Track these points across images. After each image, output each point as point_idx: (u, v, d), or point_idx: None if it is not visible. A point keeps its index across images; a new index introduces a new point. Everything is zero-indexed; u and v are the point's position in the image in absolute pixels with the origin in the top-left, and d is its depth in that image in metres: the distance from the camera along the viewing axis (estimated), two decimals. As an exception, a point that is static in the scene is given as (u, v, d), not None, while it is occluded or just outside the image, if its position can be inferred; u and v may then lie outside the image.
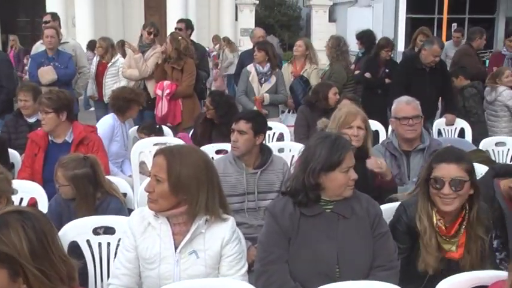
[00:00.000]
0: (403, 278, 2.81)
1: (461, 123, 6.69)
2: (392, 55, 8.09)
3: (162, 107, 6.81)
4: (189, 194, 2.56)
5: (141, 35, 7.34)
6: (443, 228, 2.88)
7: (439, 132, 6.58)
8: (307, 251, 2.74)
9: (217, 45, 16.07)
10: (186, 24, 7.97)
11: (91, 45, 13.28)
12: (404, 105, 4.18)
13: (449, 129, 6.67)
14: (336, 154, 2.73)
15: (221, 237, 2.64)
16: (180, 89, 6.86)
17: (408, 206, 2.98)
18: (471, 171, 2.84)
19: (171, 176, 2.52)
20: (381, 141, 4.77)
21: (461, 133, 6.62)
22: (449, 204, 2.81)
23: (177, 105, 6.90)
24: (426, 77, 6.44)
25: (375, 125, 6.04)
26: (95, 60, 8.37)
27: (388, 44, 7.94)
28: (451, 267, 2.82)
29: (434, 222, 2.87)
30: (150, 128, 5.83)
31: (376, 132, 5.93)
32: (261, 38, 7.83)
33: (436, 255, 2.84)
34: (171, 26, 8.74)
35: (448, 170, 2.81)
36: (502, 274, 2.34)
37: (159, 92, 6.83)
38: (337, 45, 7.63)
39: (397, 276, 2.78)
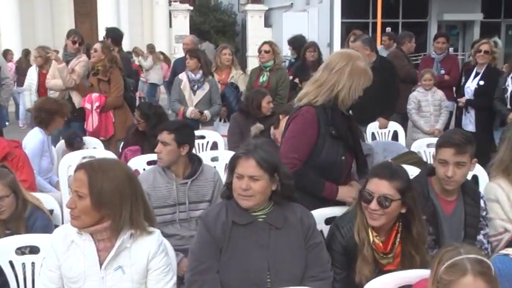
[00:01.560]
0: None
1: (394, 126, 6.87)
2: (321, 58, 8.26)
3: (92, 121, 6.68)
4: (112, 208, 2.52)
5: (66, 44, 7.19)
6: (380, 244, 2.90)
7: (373, 136, 6.73)
8: (238, 260, 2.75)
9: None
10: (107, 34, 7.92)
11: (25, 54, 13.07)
12: None
13: (383, 132, 6.82)
14: (234, 157, 2.81)
15: (147, 251, 2.62)
16: (110, 101, 6.75)
17: (342, 225, 2.98)
18: (403, 191, 2.84)
19: (92, 191, 2.48)
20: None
21: (395, 136, 6.80)
22: (376, 220, 2.84)
23: (108, 117, 6.78)
24: None
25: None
26: (34, 70, 8.14)
27: (311, 45, 8.14)
28: None
29: (371, 239, 2.89)
30: (68, 140, 5.73)
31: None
32: (190, 45, 7.82)
33: (372, 267, 2.86)
34: (103, 34, 8.60)
35: (378, 186, 2.83)
36: (427, 273, 2.40)
37: (88, 106, 6.69)
38: (280, 52, 7.68)
39: (329, 286, 2.82)
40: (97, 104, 6.65)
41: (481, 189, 4.33)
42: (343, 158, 3.40)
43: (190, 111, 6.72)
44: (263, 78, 7.28)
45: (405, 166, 3.72)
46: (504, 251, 2.55)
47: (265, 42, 7.55)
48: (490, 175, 3.85)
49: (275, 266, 2.75)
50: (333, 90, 3.33)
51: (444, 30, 25.23)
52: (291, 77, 7.95)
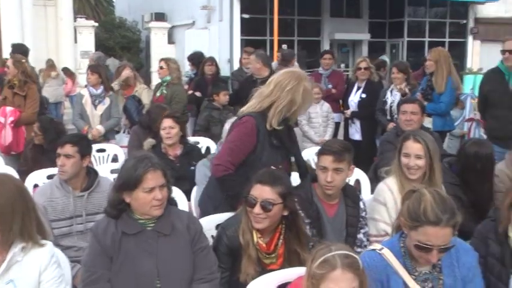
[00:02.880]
0: None
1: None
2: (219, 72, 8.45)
3: (6, 136, 6.26)
4: (2, 223, 2.44)
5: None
6: (264, 245, 2.99)
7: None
8: (128, 268, 2.73)
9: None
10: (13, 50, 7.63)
11: None
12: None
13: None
14: (134, 174, 2.74)
15: (39, 263, 2.55)
16: (25, 116, 6.35)
17: (227, 228, 3.06)
18: (285, 195, 2.96)
19: None
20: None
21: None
22: (259, 223, 2.94)
23: (20, 132, 6.38)
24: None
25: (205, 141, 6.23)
26: None
27: (209, 59, 8.37)
28: None
29: (255, 239, 2.98)
30: None
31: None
32: (90, 61, 7.73)
33: (256, 266, 2.94)
34: (6, 49, 8.26)
35: (261, 191, 2.94)
36: (304, 270, 2.47)
37: (1, 119, 6.31)
38: (179, 67, 7.70)
39: (217, 287, 2.86)
40: (11, 118, 6.25)
41: (364, 191, 4.55)
42: (280, 166, 3.53)
43: (93, 134, 6.61)
44: (159, 93, 7.37)
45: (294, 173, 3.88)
46: (372, 247, 2.68)
47: (161, 59, 7.66)
48: (380, 177, 3.97)
49: (164, 271, 2.76)
50: (290, 108, 3.54)
51: (336, 48, 26.14)
52: (190, 92, 8.00)
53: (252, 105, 3.63)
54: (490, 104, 5.43)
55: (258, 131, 3.52)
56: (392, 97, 6.78)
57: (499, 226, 2.76)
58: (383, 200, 3.56)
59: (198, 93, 7.87)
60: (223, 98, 6.96)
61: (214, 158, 3.71)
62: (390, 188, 3.55)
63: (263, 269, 2.97)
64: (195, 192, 4.46)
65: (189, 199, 4.44)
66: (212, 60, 8.45)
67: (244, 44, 19.87)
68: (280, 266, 3.00)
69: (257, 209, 2.92)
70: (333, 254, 2.29)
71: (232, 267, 3.00)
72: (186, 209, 4.06)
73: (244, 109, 3.67)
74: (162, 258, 2.77)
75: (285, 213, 3.00)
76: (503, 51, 5.35)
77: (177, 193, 4.23)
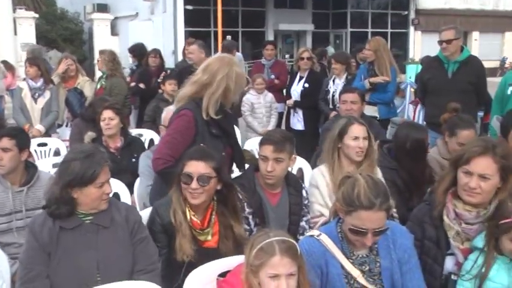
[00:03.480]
0: (165, 271, 2.91)
1: (231, 127, 7.04)
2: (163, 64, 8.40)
3: None
4: None
5: None
6: (198, 222, 3.02)
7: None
8: (67, 263, 2.68)
9: None
10: None
11: None
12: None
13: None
14: (90, 170, 2.70)
15: None
16: None
17: (159, 207, 3.07)
18: (218, 169, 3.02)
19: None
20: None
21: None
22: (196, 198, 2.97)
23: None
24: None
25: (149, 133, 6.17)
26: None
27: (153, 51, 8.32)
28: (210, 255, 2.93)
29: (188, 217, 3.00)
30: None
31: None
32: (28, 54, 7.53)
33: (191, 245, 2.95)
34: None
35: (196, 167, 2.97)
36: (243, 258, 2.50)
37: None
38: (113, 59, 7.58)
39: (158, 277, 2.84)
40: None
41: (306, 179, 4.60)
42: (223, 153, 3.56)
43: (33, 134, 6.40)
44: (99, 85, 7.30)
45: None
46: (310, 233, 2.73)
47: (100, 52, 7.61)
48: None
49: (104, 264, 2.72)
50: (225, 96, 3.57)
51: (280, 39, 26.29)
52: (133, 84, 7.90)
53: (186, 92, 3.64)
54: (429, 91, 5.58)
55: (196, 121, 3.52)
56: (334, 86, 6.87)
57: (434, 210, 2.84)
58: (315, 183, 3.65)
59: (141, 85, 7.77)
60: (168, 87, 6.87)
61: (154, 152, 3.68)
62: (322, 172, 3.65)
63: (200, 247, 2.99)
64: (138, 184, 4.42)
65: (131, 192, 4.39)
66: (156, 52, 8.37)
67: (188, 35, 19.75)
68: (217, 244, 3.04)
69: (194, 184, 2.94)
70: (271, 240, 2.32)
71: (169, 245, 3.00)
72: (129, 202, 4.01)
73: (179, 96, 3.68)
74: (102, 251, 2.73)
75: (219, 187, 3.04)
76: (440, 42, 5.50)
77: (119, 186, 4.20)
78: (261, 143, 3.45)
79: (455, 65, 5.41)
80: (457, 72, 5.41)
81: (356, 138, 3.59)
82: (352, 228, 2.51)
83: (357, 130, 3.60)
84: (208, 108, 3.53)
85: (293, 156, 3.49)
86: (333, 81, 6.95)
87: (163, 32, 21.74)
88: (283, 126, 7.97)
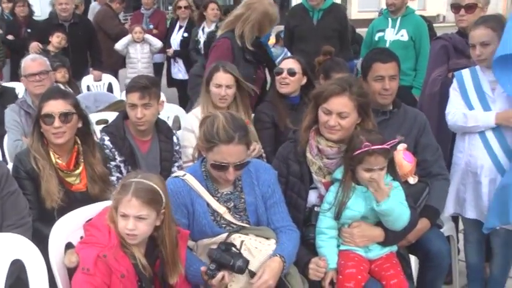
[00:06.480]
0: (38, 225, 2.83)
1: (109, 78, 6.86)
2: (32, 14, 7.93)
3: None
4: None
5: None
6: (63, 164, 2.96)
7: (88, 88, 6.63)
8: None
9: None
10: None
11: None
12: (29, 62, 4.15)
13: (97, 84, 6.76)
14: None
15: None
16: None
17: (21, 155, 3.00)
18: (76, 105, 3.00)
19: None
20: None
21: (110, 87, 6.79)
22: (60, 137, 2.92)
23: None
24: (66, 32, 6.48)
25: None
26: None
27: None
28: (80, 199, 2.92)
29: (54, 160, 2.93)
30: None
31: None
32: None
33: (59, 188, 2.90)
34: None
35: (55, 105, 2.92)
36: (109, 203, 2.50)
37: None
38: None
39: (29, 231, 2.76)
40: None
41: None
42: (254, 76, 4.41)
43: None
44: None
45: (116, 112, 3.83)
46: (175, 174, 2.75)
47: None
48: None
49: None
50: (259, 26, 4.46)
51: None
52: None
53: (226, 22, 4.58)
54: (296, 38, 5.69)
55: (233, 48, 4.38)
56: (204, 35, 6.82)
57: (297, 147, 2.93)
58: (190, 127, 3.68)
59: (10, 37, 7.30)
60: (55, 39, 6.43)
61: None
62: (197, 116, 3.67)
63: (68, 191, 2.95)
64: (6, 139, 4.19)
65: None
66: (23, 0, 7.81)
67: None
68: (86, 188, 3.00)
69: (57, 123, 2.89)
70: (132, 180, 2.33)
71: (37, 194, 2.91)
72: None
73: (222, 26, 4.67)
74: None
75: (80, 125, 3.02)
76: None
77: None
78: (128, 91, 3.39)
79: (320, 13, 5.54)
80: (321, 19, 5.55)
81: (219, 85, 3.67)
82: (214, 163, 2.55)
83: (220, 78, 3.68)
84: (242, 36, 4.40)
85: (161, 100, 3.48)
86: (202, 30, 6.89)
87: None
88: (163, 76, 7.86)
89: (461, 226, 3.87)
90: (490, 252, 3.60)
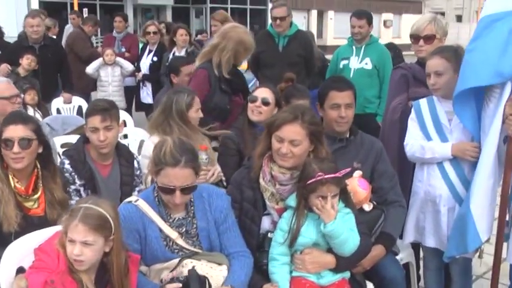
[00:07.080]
0: None
1: (79, 101, 6.85)
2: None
3: None
4: None
5: None
6: (22, 188, 2.94)
7: (58, 111, 6.61)
8: None
9: None
10: None
11: None
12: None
13: (67, 107, 6.74)
14: None
15: None
16: None
17: None
18: (37, 131, 2.97)
19: None
20: None
21: (80, 110, 6.77)
22: (19, 162, 2.88)
23: None
24: (37, 54, 6.48)
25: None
26: None
27: None
28: (37, 224, 2.88)
29: (13, 184, 2.91)
30: None
31: None
32: None
33: (17, 212, 2.86)
34: None
35: (14, 131, 2.89)
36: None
37: None
38: None
39: None
40: None
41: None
42: (228, 106, 4.56)
43: None
44: None
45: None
46: (128, 199, 2.77)
47: None
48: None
49: None
50: (235, 55, 4.57)
51: (140, 13, 25.71)
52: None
53: (203, 52, 4.73)
54: (262, 64, 5.77)
55: (209, 77, 4.50)
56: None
57: (251, 173, 2.96)
58: (148, 154, 3.64)
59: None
60: (25, 61, 6.40)
61: None
62: (154, 142, 3.65)
63: (26, 215, 2.92)
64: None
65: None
66: None
67: (43, 6, 18.72)
68: (45, 212, 2.97)
69: (16, 148, 2.86)
70: (82, 205, 2.33)
71: None
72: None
73: (199, 56, 4.78)
74: None
75: (40, 151, 2.99)
76: (274, 19, 5.69)
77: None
78: (88, 115, 3.39)
79: (285, 39, 5.65)
80: (287, 45, 5.65)
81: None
82: (161, 186, 2.58)
83: None
84: (220, 65, 4.50)
85: (120, 121, 3.50)
86: (173, 54, 6.94)
87: (16, 3, 20.39)
88: (132, 100, 7.87)
89: (422, 253, 3.91)
90: (449, 279, 3.65)
